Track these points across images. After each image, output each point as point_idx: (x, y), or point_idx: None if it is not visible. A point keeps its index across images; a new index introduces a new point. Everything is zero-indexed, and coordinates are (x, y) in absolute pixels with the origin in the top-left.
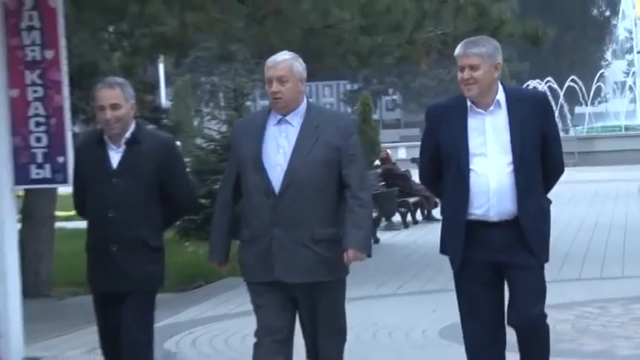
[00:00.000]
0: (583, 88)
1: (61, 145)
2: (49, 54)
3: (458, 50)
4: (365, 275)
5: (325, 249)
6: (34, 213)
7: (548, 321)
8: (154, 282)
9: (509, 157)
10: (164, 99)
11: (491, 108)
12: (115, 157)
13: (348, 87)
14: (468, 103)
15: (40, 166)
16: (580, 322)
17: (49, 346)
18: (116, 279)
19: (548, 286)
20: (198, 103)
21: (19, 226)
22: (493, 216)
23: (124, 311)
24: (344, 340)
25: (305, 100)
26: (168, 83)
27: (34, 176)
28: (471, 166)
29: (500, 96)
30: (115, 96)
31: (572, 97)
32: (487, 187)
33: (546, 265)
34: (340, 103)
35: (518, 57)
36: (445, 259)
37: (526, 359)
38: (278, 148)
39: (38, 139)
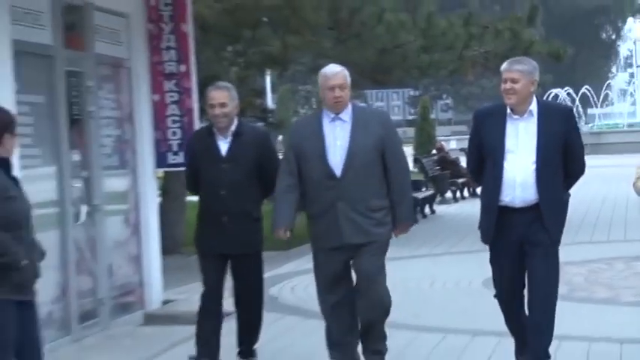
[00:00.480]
0: (594, 95)
1: None
2: (182, 68)
3: (504, 66)
4: (424, 238)
5: (380, 215)
6: (170, 190)
7: (567, 275)
8: (256, 245)
9: (533, 157)
10: (270, 103)
11: (526, 115)
12: (224, 146)
13: (411, 93)
14: (508, 111)
15: (175, 154)
16: (591, 275)
17: (182, 291)
18: (226, 243)
19: (566, 247)
20: (296, 106)
21: (159, 199)
22: (518, 203)
23: (238, 270)
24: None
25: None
26: (273, 90)
27: (170, 161)
28: (504, 163)
29: (534, 107)
30: (223, 96)
31: (585, 102)
32: (514, 180)
33: (565, 231)
34: (405, 105)
35: (543, 70)
36: None
37: (536, 316)
38: (335, 140)
39: (174, 133)
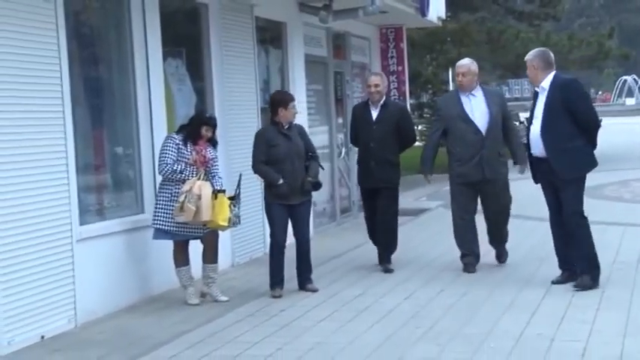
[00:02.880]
0: None
1: None
2: (399, 68)
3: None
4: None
5: (502, 160)
6: None
7: (631, 187)
8: (396, 182)
9: (540, 120)
10: (451, 88)
11: (541, 90)
12: (374, 113)
13: None
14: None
15: None
16: (635, 190)
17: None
18: (374, 180)
19: (618, 172)
20: None
21: None
22: (539, 154)
23: (380, 199)
24: (509, 211)
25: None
26: (453, 81)
27: None
28: (531, 126)
29: (545, 83)
30: (377, 80)
31: None
32: (533, 138)
33: (616, 161)
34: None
35: (617, 65)
36: None
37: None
38: (472, 110)
39: None
